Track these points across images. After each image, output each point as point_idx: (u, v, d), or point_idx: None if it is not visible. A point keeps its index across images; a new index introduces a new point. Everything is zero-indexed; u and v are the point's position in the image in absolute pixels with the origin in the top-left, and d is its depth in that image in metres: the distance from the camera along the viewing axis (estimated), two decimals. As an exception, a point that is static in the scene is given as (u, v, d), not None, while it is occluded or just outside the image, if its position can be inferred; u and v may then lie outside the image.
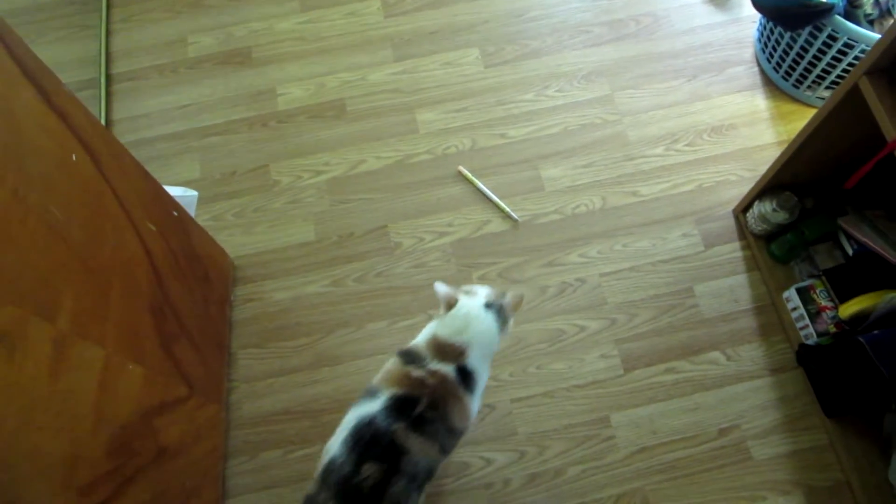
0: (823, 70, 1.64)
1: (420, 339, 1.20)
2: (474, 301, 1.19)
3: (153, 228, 1.33)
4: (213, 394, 1.51)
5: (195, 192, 1.61)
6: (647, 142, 1.80)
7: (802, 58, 1.66)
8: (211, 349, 1.53)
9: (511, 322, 1.24)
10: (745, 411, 1.51)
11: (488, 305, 1.18)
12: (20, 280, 0.86)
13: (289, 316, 1.66)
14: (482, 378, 1.19)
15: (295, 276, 1.70)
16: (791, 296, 1.53)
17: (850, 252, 1.50)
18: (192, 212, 1.56)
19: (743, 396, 1.52)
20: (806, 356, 1.49)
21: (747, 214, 1.64)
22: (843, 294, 1.44)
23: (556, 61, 1.93)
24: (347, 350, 1.61)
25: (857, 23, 1.54)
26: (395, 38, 2.00)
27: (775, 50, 1.75)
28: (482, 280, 1.67)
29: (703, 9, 1.98)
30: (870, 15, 1.56)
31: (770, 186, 1.55)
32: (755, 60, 1.89)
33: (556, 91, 1.89)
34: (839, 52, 1.57)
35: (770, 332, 1.58)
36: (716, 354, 1.56)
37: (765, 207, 1.55)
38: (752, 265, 1.65)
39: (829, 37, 1.55)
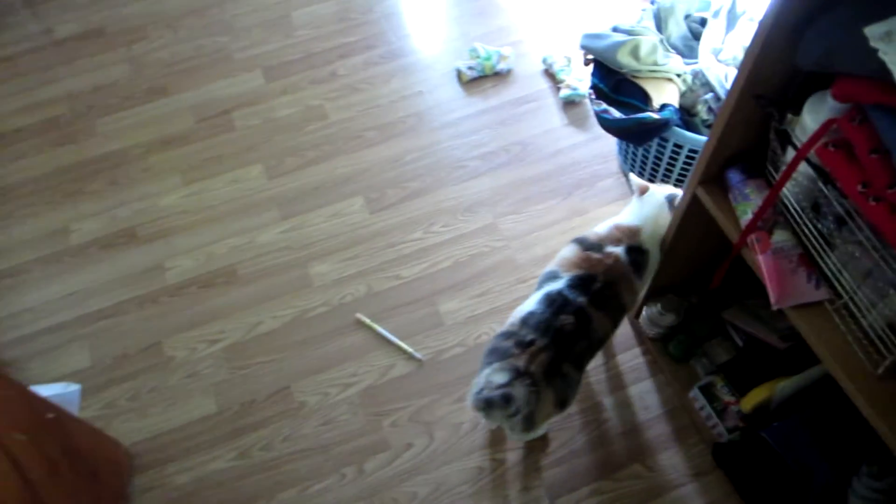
0: (680, 174, 1.75)
1: (598, 230, 1.43)
2: (660, 191, 1.45)
3: (22, 438, 1.25)
4: None
5: (77, 386, 1.54)
6: (535, 262, 1.85)
7: (659, 166, 1.77)
8: (105, 556, 1.40)
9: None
10: (677, 523, 1.46)
11: (669, 199, 1.43)
12: None
13: (193, 500, 1.55)
14: (654, 259, 1.43)
15: (197, 455, 1.61)
16: (696, 395, 1.54)
17: (740, 343, 1.53)
18: (74, 408, 1.48)
19: (670, 508, 1.48)
20: (721, 456, 1.48)
21: (640, 319, 1.67)
22: (741, 386, 1.45)
23: (437, 198, 2.00)
24: (259, 529, 1.51)
25: (697, 130, 1.67)
26: (279, 198, 2.04)
27: (635, 160, 1.87)
28: (393, 427, 1.62)
29: (565, 131, 2.12)
30: (706, 121, 1.69)
31: (653, 290, 1.60)
32: (621, 171, 2.01)
33: (442, 226, 1.94)
34: (688, 157, 1.68)
35: (685, 434, 1.56)
36: (637, 468, 1.53)
37: (652, 311, 1.59)
38: (655, 369, 1.66)
39: (676, 145, 1.67)
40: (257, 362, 1.74)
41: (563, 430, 1.59)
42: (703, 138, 1.60)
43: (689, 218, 1.34)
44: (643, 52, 1.62)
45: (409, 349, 1.72)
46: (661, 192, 1.45)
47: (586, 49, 1.72)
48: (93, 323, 1.82)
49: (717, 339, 1.58)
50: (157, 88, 2.33)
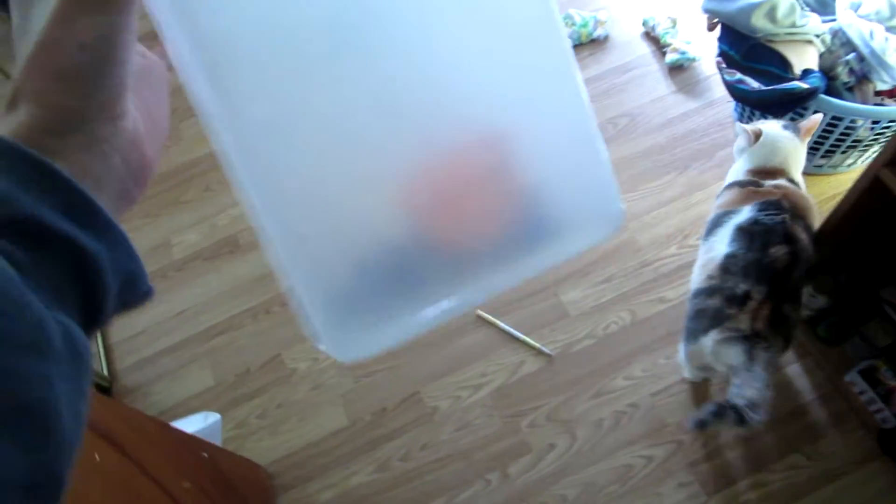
0: (817, 142, 1.63)
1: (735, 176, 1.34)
2: (774, 125, 1.34)
3: (188, 486, 1.23)
4: None
5: (217, 416, 1.52)
6: (658, 244, 1.76)
7: (791, 133, 1.65)
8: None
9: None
10: (846, 514, 1.41)
11: (785, 127, 1.33)
12: None
13: (341, 517, 1.55)
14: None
15: (337, 470, 1.59)
16: (855, 379, 1.47)
17: (903, 324, 1.45)
18: (218, 438, 1.46)
19: (837, 498, 1.42)
20: (889, 442, 1.42)
21: (783, 301, 1.59)
22: (910, 371, 1.38)
23: (545, 181, 1.90)
24: (411, 542, 1.50)
25: (837, 95, 1.54)
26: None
27: (759, 127, 1.75)
28: (531, 427, 1.58)
29: (675, 99, 1.98)
30: (847, 83, 1.56)
31: (801, 271, 1.51)
32: (741, 138, 1.88)
33: (554, 212, 1.85)
34: (828, 125, 1.56)
35: (843, 420, 1.50)
36: (796, 457, 1.48)
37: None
38: (802, 352, 1.58)
39: (815, 112, 1.54)
40: (380, 369, 1.70)
41: (711, 421, 1.53)
42: (851, 105, 1.47)
43: (865, 200, 1.24)
44: (781, 12, 1.48)
45: (537, 344, 1.67)
46: (772, 127, 1.35)
47: (712, 13, 1.58)
48: (209, 340, 1.79)
49: (874, 321, 1.49)
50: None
